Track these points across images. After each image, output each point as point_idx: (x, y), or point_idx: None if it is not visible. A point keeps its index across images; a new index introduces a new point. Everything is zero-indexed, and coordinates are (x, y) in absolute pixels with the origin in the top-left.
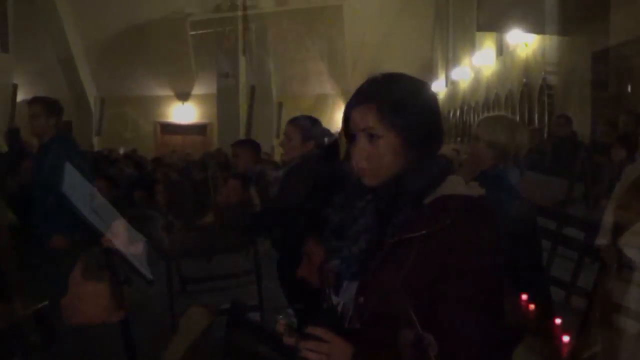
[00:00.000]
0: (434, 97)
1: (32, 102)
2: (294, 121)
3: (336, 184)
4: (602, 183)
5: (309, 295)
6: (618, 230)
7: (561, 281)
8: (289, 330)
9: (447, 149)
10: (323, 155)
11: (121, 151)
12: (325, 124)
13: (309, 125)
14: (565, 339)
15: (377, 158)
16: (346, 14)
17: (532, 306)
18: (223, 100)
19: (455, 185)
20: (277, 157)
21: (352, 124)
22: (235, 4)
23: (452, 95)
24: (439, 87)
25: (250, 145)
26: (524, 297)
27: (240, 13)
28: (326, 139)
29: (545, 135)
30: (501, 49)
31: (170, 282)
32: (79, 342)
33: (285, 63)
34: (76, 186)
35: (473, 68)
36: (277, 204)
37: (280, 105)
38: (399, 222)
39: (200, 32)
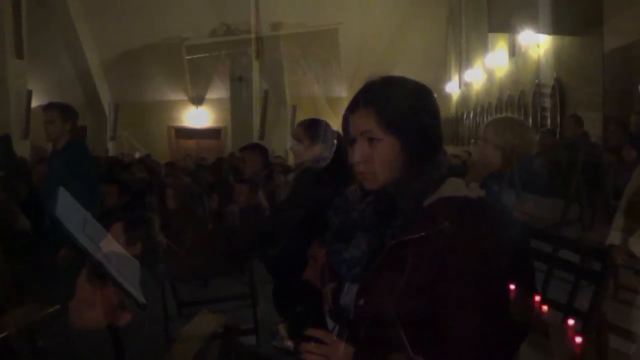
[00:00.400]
0: (433, 99)
1: (48, 107)
2: (302, 124)
3: (340, 189)
4: (603, 190)
5: (311, 299)
6: (629, 230)
7: (558, 303)
8: (290, 332)
9: (459, 150)
10: (331, 159)
11: (136, 155)
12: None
13: (317, 128)
14: (578, 339)
15: (376, 161)
16: (349, 19)
17: (545, 307)
18: (237, 104)
19: (455, 187)
20: (291, 161)
21: (351, 127)
22: (230, 29)
23: (465, 97)
24: (452, 89)
25: (257, 149)
26: (537, 298)
27: (253, 19)
28: (335, 141)
29: (557, 135)
30: (513, 50)
31: (165, 305)
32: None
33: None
34: (70, 210)
35: (486, 69)
36: (285, 208)
37: (294, 108)
38: (398, 224)
39: (196, 56)
